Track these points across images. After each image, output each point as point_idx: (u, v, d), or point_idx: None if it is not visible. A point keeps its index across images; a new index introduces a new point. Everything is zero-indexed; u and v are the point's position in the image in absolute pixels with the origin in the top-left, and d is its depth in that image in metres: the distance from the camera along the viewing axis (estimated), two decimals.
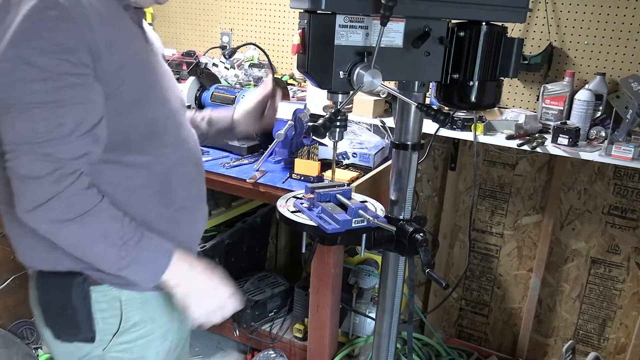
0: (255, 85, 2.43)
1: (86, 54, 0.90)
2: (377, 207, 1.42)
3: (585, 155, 1.85)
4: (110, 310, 1.08)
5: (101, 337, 1.08)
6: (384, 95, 2.24)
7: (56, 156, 0.90)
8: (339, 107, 1.15)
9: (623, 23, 1.99)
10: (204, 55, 2.70)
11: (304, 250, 1.42)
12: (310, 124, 1.11)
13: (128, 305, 1.09)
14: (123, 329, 1.10)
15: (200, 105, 2.22)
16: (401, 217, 1.39)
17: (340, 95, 1.15)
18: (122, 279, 1.04)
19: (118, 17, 1.00)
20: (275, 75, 2.48)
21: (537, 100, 2.12)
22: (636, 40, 1.98)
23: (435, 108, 1.20)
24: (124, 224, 0.99)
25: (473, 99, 1.23)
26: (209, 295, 1.10)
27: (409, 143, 1.33)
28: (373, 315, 2.14)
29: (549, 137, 1.96)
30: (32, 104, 0.88)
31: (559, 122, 1.96)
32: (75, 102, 0.91)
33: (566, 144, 1.89)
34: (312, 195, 1.35)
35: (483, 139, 2.00)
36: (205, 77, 2.27)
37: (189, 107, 2.19)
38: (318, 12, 1.06)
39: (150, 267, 1.02)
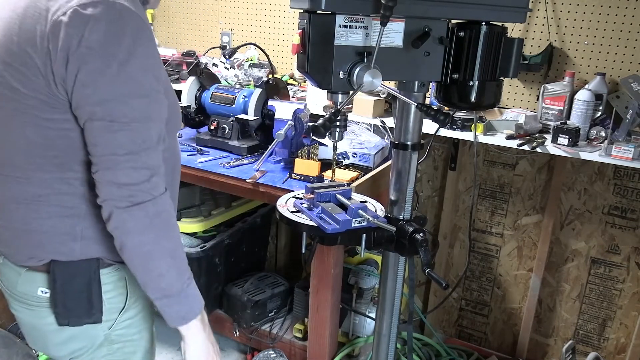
0: (255, 86, 2.43)
1: (160, 69, 1.01)
2: (377, 207, 1.42)
3: (585, 155, 1.85)
4: (116, 290, 1.13)
5: (107, 316, 1.12)
6: (384, 95, 2.24)
7: (150, 164, 0.99)
8: (339, 107, 1.15)
9: (623, 23, 1.99)
10: (204, 55, 2.70)
11: (304, 250, 1.42)
12: (310, 124, 1.11)
13: (131, 281, 1.13)
14: (128, 305, 1.15)
15: (200, 105, 2.22)
16: (401, 217, 1.39)
17: (340, 95, 1.15)
18: None
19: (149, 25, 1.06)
20: (275, 75, 2.48)
21: (537, 100, 2.12)
22: (636, 40, 1.98)
23: (435, 108, 1.20)
24: (184, 255, 1.08)
25: (473, 99, 1.23)
26: (210, 356, 1.18)
27: (409, 143, 1.33)
28: (373, 315, 2.14)
29: (549, 137, 1.96)
30: (135, 119, 0.95)
31: (559, 122, 1.96)
32: (159, 116, 1.01)
33: (566, 144, 1.89)
34: (312, 195, 1.35)
35: (483, 139, 2.00)
36: (205, 77, 2.27)
37: (188, 106, 2.19)
38: (318, 12, 1.06)
39: (188, 307, 1.10)
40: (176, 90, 2.58)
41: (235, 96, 2.13)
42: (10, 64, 0.95)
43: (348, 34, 1.09)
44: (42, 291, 1.09)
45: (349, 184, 1.71)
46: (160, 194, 1.00)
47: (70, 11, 0.90)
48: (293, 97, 2.41)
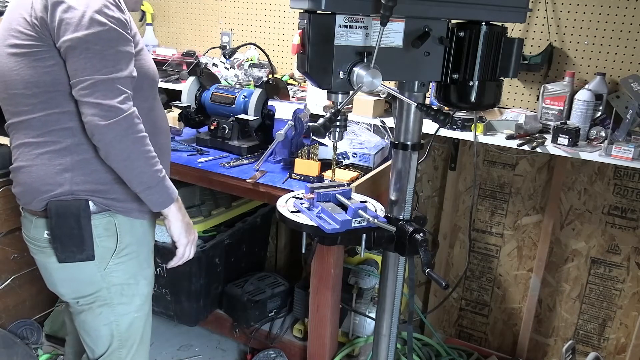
0: (255, 86, 2.43)
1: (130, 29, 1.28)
2: (377, 207, 1.42)
3: (585, 155, 1.85)
4: (107, 233, 1.34)
5: (100, 257, 1.34)
6: (384, 95, 2.24)
7: (122, 88, 1.21)
8: (339, 107, 1.15)
9: (623, 23, 1.99)
10: (204, 55, 2.70)
11: (304, 250, 1.42)
12: (310, 124, 1.11)
13: (121, 227, 1.36)
14: (119, 249, 1.36)
15: (200, 105, 2.22)
16: (401, 217, 1.39)
17: (340, 95, 1.15)
18: (120, 206, 1.34)
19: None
20: (275, 75, 2.48)
21: (537, 100, 2.12)
22: (636, 40, 1.98)
23: (435, 108, 1.20)
24: (157, 158, 1.30)
25: (473, 99, 1.23)
26: (190, 231, 1.44)
27: (409, 143, 1.33)
28: (373, 315, 2.14)
29: (549, 137, 1.96)
30: (106, 50, 1.20)
31: (559, 122, 1.96)
32: (128, 55, 1.25)
33: (566, 144, 1.89)
34: (312, 195, 1.35)
35: (483, 139, 2.00)
36: (205, 77, 2.27)
37: (188, 106, 2.19)
38: (318, 12, 1.06)
39: (166, 194, 1.33)
40: (176, 90, 2.59)
41: (235, 96, 2.13)
42: (15, 28, 1.23)
43: (348, 34, 1.09)
44: (47, 234, 1.32)
45: (349, 184, 1.71)
46: (131, 111, 1.22)
47: None
48: (293, 97, 2.41)
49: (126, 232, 1.37)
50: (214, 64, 2.59)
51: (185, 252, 1.45)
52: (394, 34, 1.13)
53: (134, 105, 1.24)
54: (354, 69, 1.10)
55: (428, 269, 1.23)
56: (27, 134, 1.29)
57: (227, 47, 2.76)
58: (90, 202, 1.30)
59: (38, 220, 1.34)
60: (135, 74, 1.26)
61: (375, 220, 1.25)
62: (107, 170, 1.29)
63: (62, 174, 1.28)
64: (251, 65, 2.63)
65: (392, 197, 1.40)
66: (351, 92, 1.14)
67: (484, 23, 1.18)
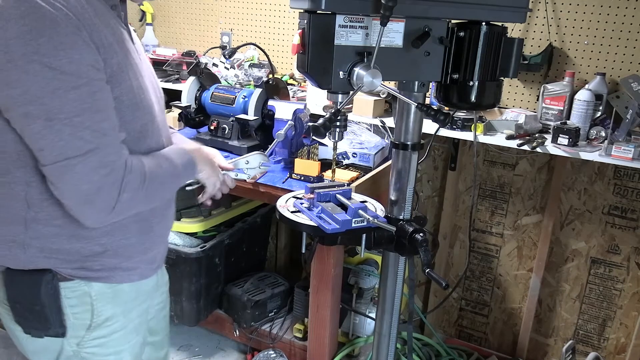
0: (255, 86, 2.43)
1: (98, 56, 0.93)
2: (377, 207, 1.42)
3: (585, 155, 1.85)
4: (81, 305, 1.09)
5: (74, 332, 1.10)
6: (384, 95, 2.24)
7: (106, 160, 0.94)
8: (339, 107, 1.15)
9: (623, 23, 1.99)
10: (204, 55, 2.70)
11: (304, 250, 1.42)
12: (310, 124, 1.11)
13: (99, 299, 1.10)
14: (96, 323, 1.11)
15: (200, 105, 2.22)
16: (401, 217, 1.39)
17: (340, 95, 1.15)
18: (94, 272, 1.07)
19: (108, 17, 1.00)
20: (275, 75, 2.48)
21: (537, 100, 2.12)
22: (636, 40, 1.98)
23: (435, 108, 1.20)
24: (161, 158, 1.10)
25: (473, 99, 1.23)
26: (214, 172, 1.30)
27: (409, 143, 1.33)
28: (373, 315, 2.14)
29: (549, 137, 1.96)
30: (76, 113, 0.90)
31: (559, 122, 1.96)
32: (106, 105, 0.95)
33: (566, 144, 1.89)
34: (312, 195, 1.35)
35: (483, 139, 2.00)
36: (205, 77, 2.27)
37: (188, 106, 2.19)
38: (318, 12, 1.06)
39: (190, 169, 1.19)
40: (176, 91, 2.58)
41: (235, 96, 2.13)
42: None
43: (348, 34, 1.09)
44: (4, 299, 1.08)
45: (349, 184, 1.71)
46: (127, 174, 0.97)
47: None
48: (293, 97, 2.41)
49: (106, 302, 1.11)
50: (214, 64, 2.59)
51: (215, 188, 1.32)
52: (394, 34, 1.13)
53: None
54: (354, 69, 1.10)
55: (428, 269, 1.23)
56: None
57: (227, 47, 2.76)
58: (58, 272, 1.05)
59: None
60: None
61: (375, 220, 1.25)
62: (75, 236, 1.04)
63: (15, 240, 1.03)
64: (251, 65, 2.63)
65: (392, 197, 1.40)
66: (351, 92, 1.14)
67: (484, 23, 1.18)
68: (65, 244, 1.03)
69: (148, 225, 1.14)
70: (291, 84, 2.56)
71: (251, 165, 1.40)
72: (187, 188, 1.29)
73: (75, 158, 0.91)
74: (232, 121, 2.11)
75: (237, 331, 2.38)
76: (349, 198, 1.36)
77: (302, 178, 1.86)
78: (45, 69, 0.86)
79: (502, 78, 1.26)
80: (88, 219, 0.98)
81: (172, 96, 2.54)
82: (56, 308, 1.06)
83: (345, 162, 2.04)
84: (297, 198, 1.42)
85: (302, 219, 1.30)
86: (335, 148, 1.32)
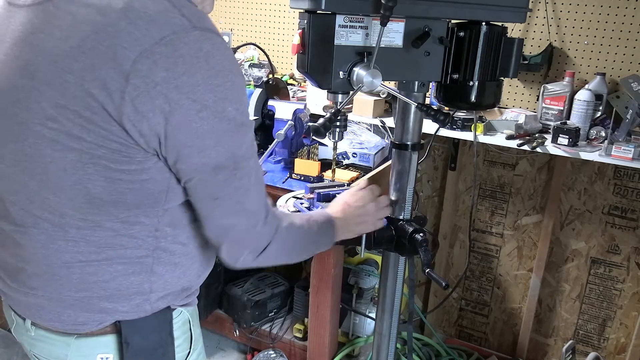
0: (255, 86, 2.43)
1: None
2: None
3: (585, 155, 1.85)
4: (183, 335, 1.03)
5: None
6: (384, 95, 2.24)
7: (268, 210, 0.95)
8: (339, 107, 1.15)
9: (623, 23, 1.99)
10: None
11: None
12: (310, 124, 1.11)
13: (193, 323, 1.06)
14: (192, 349, 1.06)
15: None
16: (401, 217, 1.39)
17: (340, 95, 1.15)
18: (184, 299, 1.01)
19: None
20: (275, 75, 2.48)
21: (537, 100, 2.12)
22: (636, 40, 1.98)
23: (435, 108, 1.20)
24: (305, 221, 1.08)
25: (473, 99, 1.23)
26: (363, 222, 1.23)
27: (409, 143, 1.33)
28: (373, 315, 2.14)
29: (549, 137, 1.96)
30: (251, 165, 0.88)
31: (559, 122, 1.96)
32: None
33: (566, 144, 1.89)
34: (312, 195, 1.35)
35: (483, 139, 2.00)
36: None
37: None
38: (318, 12, 1.06)
39: (330, 238, 1.15)
40: None
41: None
42: (67, 107, 0.76)
43: (348, 34, 1.09)
44: (102, 358, 0.95)
45: (349, 184, 1.71)
46: (279, 227, 0.97)
47: (157, 44, 0.73)
48: (293, 97, 2.41)
49: (196, 325, 1.07)
50: None
51: (376, 226, 1.27)
52: (394, 34, 1.13)
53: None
54: (354, 69, 1.10)
55: (428, 269, 1.22)
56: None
57: None
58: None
59: (86, 340, 0.93)
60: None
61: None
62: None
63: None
64: (251, 65, 2.63)
65: (392, 197, 1.40)
66: (351, 92, 1.14)
67: (484, 23, 1.18)
68: (180, 279, 0.98)
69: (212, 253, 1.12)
70: (291, 84, 2.56)
71: None
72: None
73: (254, 213, 0.93)
74: None
75: (237, 331, 2.38)
76: None
77: (302, 178, 1.86)
78: (232, 117, 0.82)
79: (502, 78, 1.26)
80: (238, 263, 0.96)
81: None
82: (172, 346, 1.00)
83: (345, 162, 2.04)
84: (297, 198, 1.42)
85: None
86: (335, 148, 1.32)
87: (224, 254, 0.94)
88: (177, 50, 0.74)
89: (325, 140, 1.99)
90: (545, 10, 2.09)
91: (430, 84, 1.41)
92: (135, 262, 0.90)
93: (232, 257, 0.95)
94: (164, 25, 0.74)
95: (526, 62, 2.08)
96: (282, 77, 2.59)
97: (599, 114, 1.99)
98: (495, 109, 2.16)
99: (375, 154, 2.03)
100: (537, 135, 2.00)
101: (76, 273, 0.88)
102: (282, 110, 2.09)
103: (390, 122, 2.11)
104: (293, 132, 1.95)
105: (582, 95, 1.95)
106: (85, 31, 0.75)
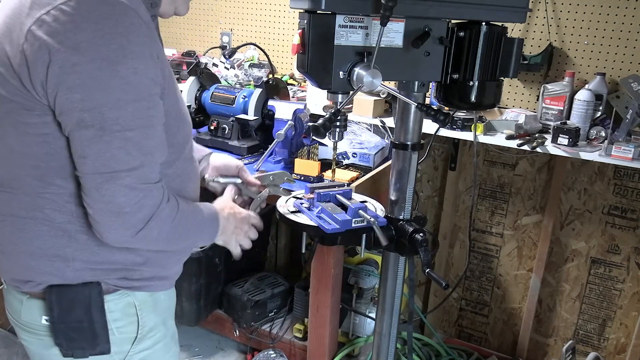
0: (255, 86, 2.43)
1: (158, 69, 0.91)
2: (377, 207, 1.42)
3: (585, 155, 1.85)
4: (125, 318, 1.05)
5: (118, 347, 1.05)
6: (384, 95, 2.24)
7: (148, 181, 0.93)
8: (339, 107, 1.15)
9: (623, 23, 1.99)
10: (204, 55, 2.70)
11: (304, 250, 1.42)
12: (310, 124, 1.11)
13: (143, 309, 1.07)
14: (141, 335, 1.08)
15: (200, 105, 2.22)
16: (401, 217, 1.39)
17: (340, 95, 1.15)
18: (135, 282, 1.05)
19: (153, 26, 0.97)
20: (275, 75, 2.48)
21: (537, 100, 2.12)
22: (636, 40, 1.98)
23: (435, 108, 1.20)
24: (191, 207, 1.07)
25: (473, 99, 1.23)
26: (235, 232, 1.24)
27: (409, 143, 1.33)
28: (373, 315, 2.14)
29: (549, 137, 1.96)
30: (129, 128, 0.88)
31: (559, 122, 1.96)
32: (158, 122, 0.93)
33: (566, 144, 1.89)
34: (312, 195, 1.35)
35: (483, 139, 2.00)
36: (205, 77, 2.27)
37: (188, 106, 2.19)
38: (318, 12, 1.06)
39: (212, 230, 1.15)
40: None
41: (235, 96, 2.13)
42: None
43: (348, 34, 1.09)
44: (45, 319, 1.02)
45: (349, 184, 1.71)
46: (164, 202, 0.95)
47: (54, 8, 0.83)
48: (293, 97, 2.41)
49: (149, 311, 1.09)
50: (214, 64, 2.59)
51: (236, 251, 1.28)
52: (394, 34, 1.13)
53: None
54: (354, 69, 1.10)
55: (428, 269, 1.23)
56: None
57: (227, 47, 2.76)
58: (102, 284, 1.01)
59: (33, 301, 1.02)
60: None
61: (374, 225, 1.25)
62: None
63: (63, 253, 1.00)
64: (251, 65, 2.63)
65: (392, 197, 1.40)
66: (351, 92, 1.14)
67: (484, 23, 1.18)
68: (110, 255, 1.01)
69: None
70: (291, 84, 2.56)
71: (276, 182, 1.36)
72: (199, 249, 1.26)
73: (119, 172, 0.89)
74: (232, 121, 2.11)
75: (237, 331, 2.38)
76: (349, 198, 1.36)
77: (302, 178, 1.86)
78: (113, 78, 0.84)
79: (502, 78, 1.26)
80: (110, 234, 0.94)
81: None
82: (103, 323, 1.02)
83: (345, 162, 2.04)
84: (297, 198, 1.42)
85: (302, 219, 1.30)
86: (335, 148, 1.32)
87: (94, 224, 0.94)
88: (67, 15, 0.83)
89: (325, 140, 1.99)
90: (545, 10, 2.09)
91: (430, 84, 1.41)
92: (58, 227, 0.97)
93: (104, 228, 0.93)
94: None
95: (526, 62, 2.08)
96: (282, 77, 2.59)
97: (599, 114, 1.99)
98: (495, 109, 2.16)
99: (375, 154, 2.03)
100: (537, 135, 2.00)
101: (8, 226, 0.99)
102: (282, 110, 2.09)
103: (390, 122, 2.11)
104: (293, 132, 1.95)
105: (582, 95, 1.95)
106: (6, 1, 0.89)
